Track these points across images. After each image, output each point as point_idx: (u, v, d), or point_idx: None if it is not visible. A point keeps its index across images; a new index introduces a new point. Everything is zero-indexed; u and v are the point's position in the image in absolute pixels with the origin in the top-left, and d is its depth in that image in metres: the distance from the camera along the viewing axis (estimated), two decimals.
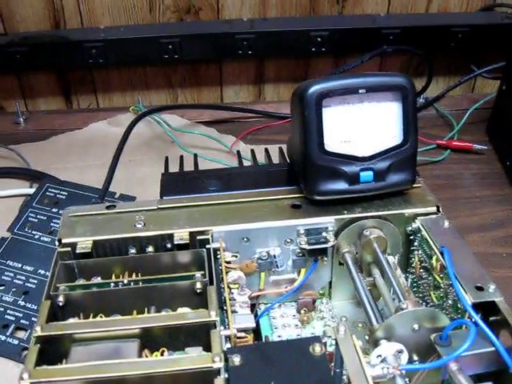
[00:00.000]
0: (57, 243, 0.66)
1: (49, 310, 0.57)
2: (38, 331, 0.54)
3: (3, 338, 0.75)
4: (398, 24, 1.27)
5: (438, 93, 1.32)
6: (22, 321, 0.77)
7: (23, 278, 0.82)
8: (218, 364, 0.50)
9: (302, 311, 0.72)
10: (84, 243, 0.65)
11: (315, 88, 0.65)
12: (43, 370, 0.51)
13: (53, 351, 0.54)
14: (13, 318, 0.77)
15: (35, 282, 0.82)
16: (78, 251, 0.65)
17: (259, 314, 0.72)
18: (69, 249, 0.65)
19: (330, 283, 0.74)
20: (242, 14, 1.28)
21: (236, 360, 0.51)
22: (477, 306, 0.57)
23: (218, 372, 0.50)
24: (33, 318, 0.77)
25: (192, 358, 0.52)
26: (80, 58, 1.22)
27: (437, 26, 1.28)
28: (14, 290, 0.81)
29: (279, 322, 0.71)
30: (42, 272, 0.83)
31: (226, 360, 0.51)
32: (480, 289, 0.58)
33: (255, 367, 0.51)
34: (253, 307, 0.69)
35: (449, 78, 1.41)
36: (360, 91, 0.66)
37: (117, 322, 0.56)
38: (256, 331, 0.62)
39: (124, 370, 0.50)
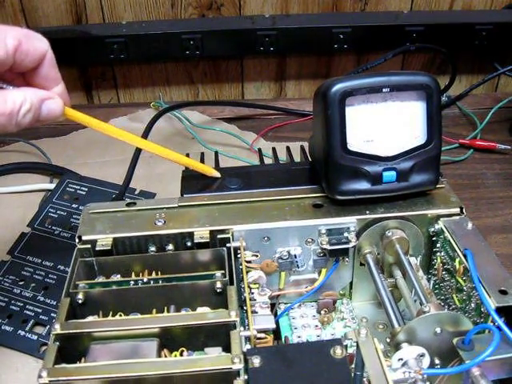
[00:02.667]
0: (77, 240, 0.66)
1: (68, 308, 0.57)
2: (57, 329, 0.54)
3: (22, 333, 0.75)
4: (422, 21, 1.26)
5: (460, 91, 1.31)
6: (41, 316, 0.77)
7: (43, 273, 0.83)
8: (238, 365, 0.50)
9: (323, 312, 0.71)
10: (104, 240, 0.65)
11: (339, 86, 0.64)
12: (62, 368, 0.51)
13: (71, 349, 0.54)
14: (32, 314, 0.77)
15: (54, 277, 0.82)
16: (97, 248, 0.65)
17: (279, 313, 0.71)
18: (89, 246, 0.65)
19: (351, 284, 0.73)
20: (263, 10, 1.27)
21: (256, 361, 0.50)
22: (500, 310, 0.56)
23: (237, 373, 0.50)
24: (52, 314, 0.77)
25: (211, 359, 0.51)
26: (101, 54, 1.22)
27: (461, 24, 1.26)
28: (33, 285, 0.81)
29: (299, 322, 0.71)
30: (62, 268, 0.83)
31: (246, 361, 0.51)
32: (504, 292, 0.58)
33: (275, 369, 0.50)
34: (272, 307, 0.69)
35: (472, 77, 1.39)
36: (384, 90, 0.65)
37: (136, 320, 0.56)
38: (275, 331, 0.62)
39: (143, 370, 0.50)
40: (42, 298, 0.79)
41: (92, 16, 1.24)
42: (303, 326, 0.70)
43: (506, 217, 0.97)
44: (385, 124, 0.67)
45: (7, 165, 1.05)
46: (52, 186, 0.99)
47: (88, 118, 0.65)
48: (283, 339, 0.68)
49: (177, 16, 1.26)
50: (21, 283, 0.81)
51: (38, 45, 0.57)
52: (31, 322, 0.76)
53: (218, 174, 0.75)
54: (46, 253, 0.85)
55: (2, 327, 0.75)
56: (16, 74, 0.58)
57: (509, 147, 1.11)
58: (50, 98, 0.59)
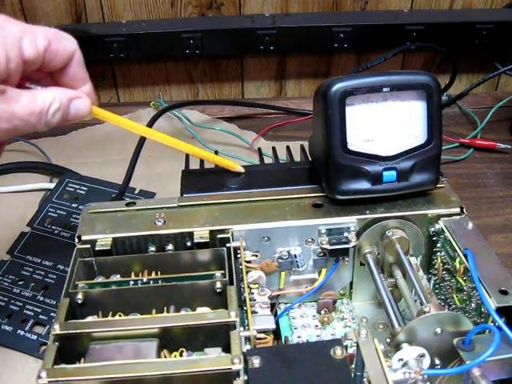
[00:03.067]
0: (76, 240, 0.65)
1: (67, 308, 0.57)
2: (57, 329, 0.54)
3: (22, 333, 0.75)
4: (422, 20, 1.26)
5: (461, 90, 1.31)
6: (40, 316, 0.77)
7: (42, 273, 0.83)
8: (238, 366, 0.50)
9: (323, 312, 0.71)
10: (103, 240, 0.65)
11: (339, 86, 0.64)
12: (61, 369, 0.50)
13: (71, 349, 0.54)
14: (32, 313, 0.77)
15: (54, 277, 0.82)
16: (97, 248, 0.65)
17: (279, 313, 0.71)
18: (88, 246, 0.65)
19: (351, 284, 0.73)
20: (263, 9, 1.27)
21: (256, 362, 0.50)
22: (501, 310, 0.56)
23: (237, 374, 0.50)
24: (52, 314, 0.77)
25: (211, 360, 0.51)
26: (101, 53, 1.22)
27: (461, 23, 1.26)
28: (32, 284, 0.81)
29: (299, 322, 0.71)
30: (61, 267, 0.83)
31: (246, 362, 0.51)
32: (504, 293, 0.57)
33: (275, 369, 0.50)
34: (272, 307, 0.69)
35: (472, 76, 1.39)
36: (384, 89, 0.65)
37: (136, 321, 0.56)
38: (275, 331, 0.62)
39: (142, 371, 0.50)
40: (41, 298, 0.79)
41: (92, 15, 1.24)
42: (303, 326, 0.70)
43: (506, 216, 0.97)
44: (385, 123, 0.67)
45: (7, 164, 1.05)
46: (52, 186, 0.99)
47: (117, 116, 0.66)
48: (283, 339, 0.68)
49: (177, 15, 1.26)
50: (20, 283, 0.81)
51: (66, 44, 0.57)
52: (31, 322, 0.76)
53: (242, 170, 0.76)
54: (45, 252, 0.85)
55: (2, 327, 0.75)
56: (44, 74, 0.58)
57: (509, 146, 1.11)
58: (78, 97, 0.59)
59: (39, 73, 0.57)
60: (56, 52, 0.55)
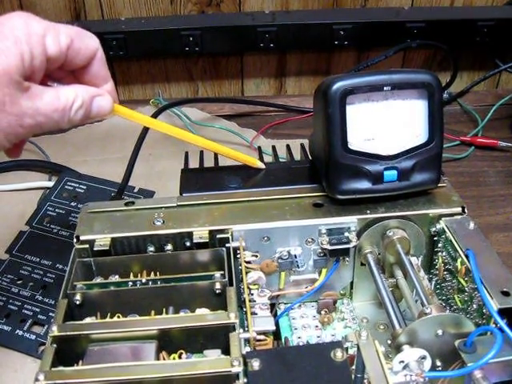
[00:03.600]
0: (74, 240, 0.65)
1: (65, 309, 0.56)
2: (55, 331, 0.53)
3: (20, 333, 0.75)
4: (423, 17, 1.25)
5: (462, 88, 1.31)
6: (39, 316, 0.77)
7: (41, 272, 0.82)
8: (237, 368, 0.49)
9: (323, 312, 0.71)
10: (102, 240, 0.65)
11: (339, 85, 0.64)
12: (59, 371, 0.50)
13: (69, 351, 0.53)
14: (30, 313, 0.77)
15: (53, 276, 0.82)
16: (95, 248, 0.64)
17: (279, 314, 0.71)
18: (87, 246, 0.64)
19: (352, 284, 0.73)
20: (263, 6, 1.26)
21: (255, 364, 0.50)
22: (502, 312, 0.56)
23: (236, 376, 0.49)
24: (50, 313, 0.76)
25: (210, 362, 0.51)
26: None
27: (462, 20, 1.26)
28: (31, 284, 0.80)
29: (299, 322, 0.70)
30: (60, 266, 0.83)
31: (245, 364, 0.50)
32: (506, 294, 0.57)
33: (275, 372, 0.50)
34: (272, 307, 0.68)
35: (473, 73, 1.39)
36: (385, 88, 0.64)
37: (134, 322, 0.56)
38: (275, 331, 0.61)
39: (141, 373, 0.50)
40: (40, 298, 0.79)
41: (91, 12, 1.23)
42: (303, 327, 0.70)
43: (507, 215, 0.96)
44: (386, 123, 0.66)
45: (6, 162, 1.04)
46: (50, 184, 0.99)
47: (138, 114, 0.66)
48: (283, 340, 0.67)
49: (176, 12, 1.26)
50: (19, 282, 0.81)
51: (89, 43, 0.58)
52: (29, 322, 0.76)
53: (262, 166, 0.76)
54: (44, 251, 0.85)
55: (0, 327, 0.75)
56: (66, 72, 0.59)
57: (510, 144, 1.11)
58: (100, 95, 0.60)
59: (61, 71, 0.58)
60: (78, 50, 0.56)
